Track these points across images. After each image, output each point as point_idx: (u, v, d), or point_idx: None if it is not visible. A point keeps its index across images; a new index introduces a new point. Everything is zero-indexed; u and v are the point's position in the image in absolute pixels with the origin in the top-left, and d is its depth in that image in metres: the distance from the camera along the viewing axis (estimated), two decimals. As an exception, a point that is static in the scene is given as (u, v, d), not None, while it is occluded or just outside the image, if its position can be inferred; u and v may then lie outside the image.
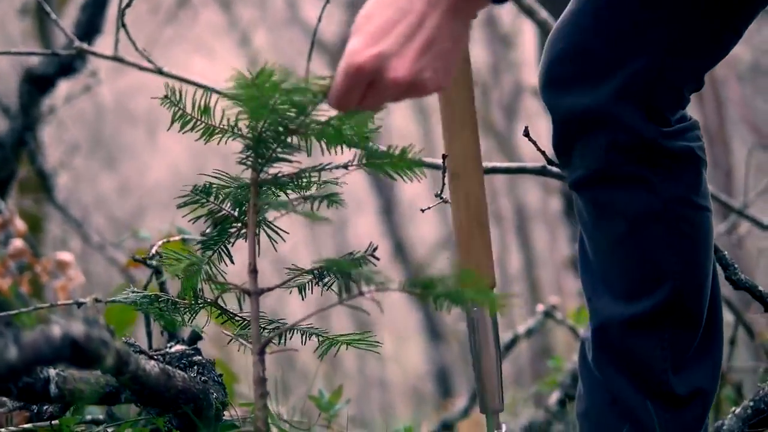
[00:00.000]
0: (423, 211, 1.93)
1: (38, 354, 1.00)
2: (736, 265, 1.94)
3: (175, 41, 10.49)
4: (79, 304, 1.85)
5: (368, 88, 1.31)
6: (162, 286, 1.88)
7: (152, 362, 1.40)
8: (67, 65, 3.51)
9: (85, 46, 2.21)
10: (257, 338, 1.31)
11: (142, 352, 1.73)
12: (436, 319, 10.07)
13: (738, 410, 2.10)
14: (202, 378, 1.60)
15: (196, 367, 1.63)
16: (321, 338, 1.54)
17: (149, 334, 1.93)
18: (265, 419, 1.30)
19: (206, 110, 1.33)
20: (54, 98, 3.97)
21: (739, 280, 1.93)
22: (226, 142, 1.38)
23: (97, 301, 1.83)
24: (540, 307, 3.27)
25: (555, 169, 2.09)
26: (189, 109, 1.33)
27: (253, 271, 1.35)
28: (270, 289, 1.39)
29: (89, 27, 3.45)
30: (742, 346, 3.98)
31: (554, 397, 3.13)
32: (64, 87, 4.05)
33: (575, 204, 1.93)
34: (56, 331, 1.03)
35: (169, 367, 1.46)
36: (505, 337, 3.52)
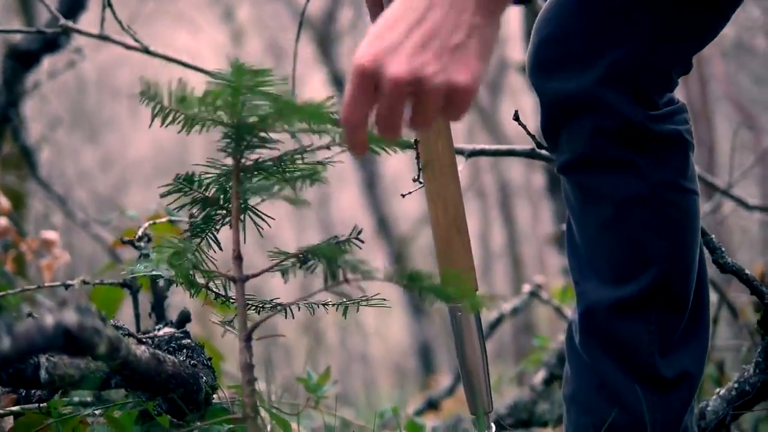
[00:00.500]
0: (403, 196, 1.92)
1: (31, 344, 1.00)
2: (723, 249, 1.95)
3: (157, 15, 10.42)
4: (67, 286, 1.85)
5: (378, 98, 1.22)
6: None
7: (143, 347, 1.40)
8: (52, 41, 3.48)
9: (70, 24, 2.19)
10: (243, 325, 1.31)
11: (130, 335, 1.72)
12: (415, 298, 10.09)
13: (722, 391, 2.12)
14: (192, 362, 1.60)
15: (185, 351, 1.63)
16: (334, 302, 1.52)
17: (137, 317, 1.92)
18: (254, 405, 1.30)
19: (183, 100, 1.30)
20: (38, 73, 3.94)
21: (726, 264, 1.93)
22: (208, 130, 1.36)
23: (84, 282, 1.83)
24: (526, 287, 3.28)
25: (544, 152, 2.09)
26: (166, 102, 1.29)
27: (238, 257, 1.34)
28: (255, 275, 1.38)
29: (73, 3, 3.42)
30: (723, 324, 4.01)
31: (539, 376, 3.14)
32: (47, 61, 4.02)
33: (563, 187, 1.93)
34: (49, 320, 1.03)
35: (160, 352, 1.46)
36: (490, 316, 3.53)
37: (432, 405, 3.63)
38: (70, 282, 1.84)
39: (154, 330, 1.81)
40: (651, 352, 1.84)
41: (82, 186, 9.60)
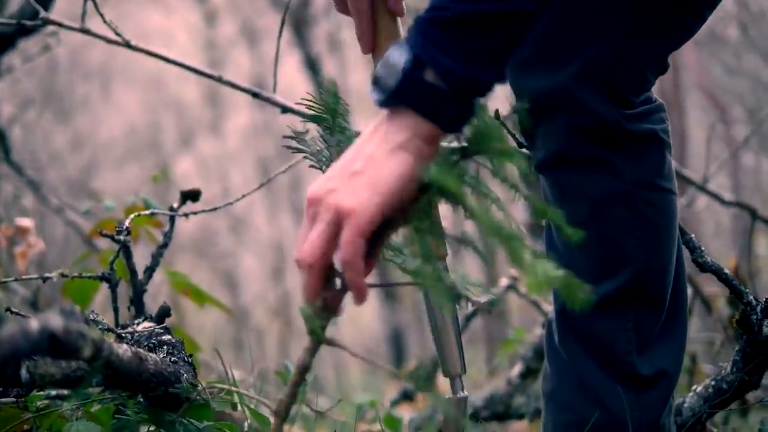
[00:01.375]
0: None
1: (16, 349, 0.99)
2: (702, 248, 1.95)
3: (130, -5, 10.34)
4: (44, 279, 1.83)
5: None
6: (129, 263, 1.86)
7: (125, 346, 1.38)
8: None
9: (51, 17, 2.16)
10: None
11: (109, 329, 1.71)
12: (390, 279, 10.09)
13: (699, 389, 2.13)
14: (172, 359, 1.59)
15: (165, 347, 1.62)
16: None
17: (116, 310, 1.90)
18: (287, 409, 1.29)
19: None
20: (11, 56, 3.89)
21: (705, 263, 1.94)
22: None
23: (63, 276, 1.81)
24: (504, 281, 3.26)
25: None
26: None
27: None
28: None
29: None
30: (696, 316, 4.03)
31: (516, 369, 3.15)
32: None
33: (540, 185, 1.93)
34: (34, 324, 1.01)
35: (142, 351, 1.45)
36: (465, 310, 3.53)
37: (407, 396, 3.63)
38: (47, 275, 1.82)
39: (133, 324, 1.79)
40: (628, 350, 1.85)
41: (52, 167, 9.52)
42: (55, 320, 1.03)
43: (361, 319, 11.54)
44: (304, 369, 1.26)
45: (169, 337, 1.66)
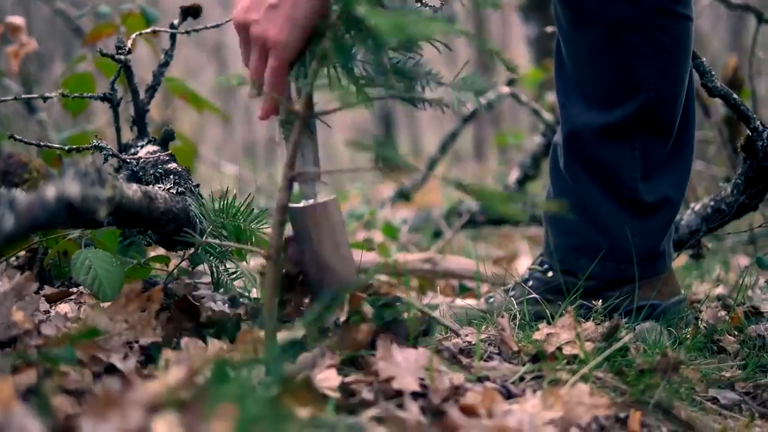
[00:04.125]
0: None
1: (34, 221, 0.97)
2: (713, 72, 1.92)
3: None
4: (45, 98, 1.79)
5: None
6: (130, 83, 1.82)
7: (134, 186, 1.37)
8: None
9: None
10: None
11: (114, 155, 1.70)
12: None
13: (697, 207, 2.15)
14: (179, 189, 1.58)
15: (172, 177, 1.61)
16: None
17: (118, 130, 1.88)
18: (278, 248, 1.29)
19: None
20: None
21: (715, 88, 1.92)
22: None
23: (63, 95, 1.77)
24: (504, 89, 3.20)
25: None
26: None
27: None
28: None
29: None
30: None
31: (513, 176, 3.17)
32: None
33: (553, 7, 1.88)
34: (50, 192, 1.00)
35: (151, 190, 1.44)
36: (464, 110, 3.50)
37: (403, 195, 3.65)
38: (48, 95, 1.79)
39: (137, 146, 1.77)
40: (634, 177, 1.85)
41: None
42: (71, 187, 1.01)
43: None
44: (284, 208, 1.26)
45: (175, 165, 1.64)
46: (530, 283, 1.93)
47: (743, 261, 3.40)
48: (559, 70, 1.91)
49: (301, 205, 1.44)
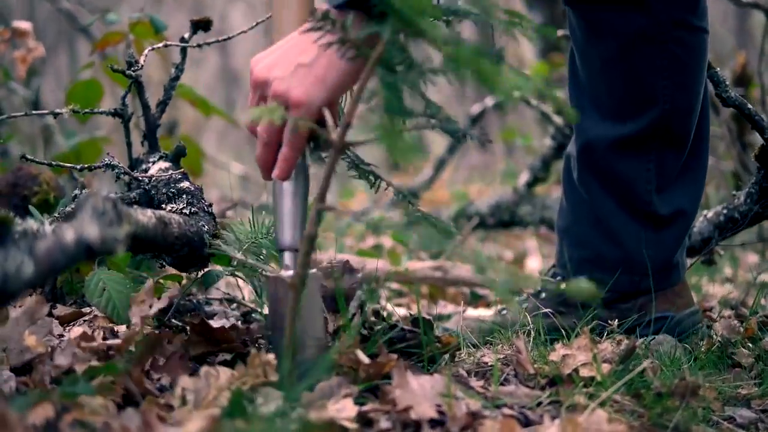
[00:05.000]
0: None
1: (54, 266, 0.97)
2: (727, 82, 1.91)
3: None
4: (55, 114, 1.78)
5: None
6: (142, 97, 1.81)
7: (149, 213, 1.36)
8: None
9: None
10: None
11: (126, 173, 1.69)
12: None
13: (710, 214, 2.14)
14: (192, 209, 1.57)
15: (185, 197, 1.60)
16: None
17: (129, 145, 1.87)
18: (304, 276, 1.29)
19: None
20: None
21: (729, 98, 1.90)
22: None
23: (74, 112, 1.76)
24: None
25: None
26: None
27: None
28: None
29: None
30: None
31: (523, 178, 3.15)
32: None
33: (568, 19, 1.87)
34: (69, 236, 0.99)
35: (165, 215, 1.43)
36: (473, 110, 3.50)
37: (412, 195, 3.64)
38: (58, 111, 1.78)
39: (148, 162, 1.76)
40: (648, 189, 1.84)
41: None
42: (90, 229, 1.00)
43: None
44: (312, 238, 1.26)
45: (188, 184, 1.63)
46: (543, 295, 1.92)
47: (753, 258, 3.40)
48: (573, 80, 1.90)
49: (284, 274, 1.39)
